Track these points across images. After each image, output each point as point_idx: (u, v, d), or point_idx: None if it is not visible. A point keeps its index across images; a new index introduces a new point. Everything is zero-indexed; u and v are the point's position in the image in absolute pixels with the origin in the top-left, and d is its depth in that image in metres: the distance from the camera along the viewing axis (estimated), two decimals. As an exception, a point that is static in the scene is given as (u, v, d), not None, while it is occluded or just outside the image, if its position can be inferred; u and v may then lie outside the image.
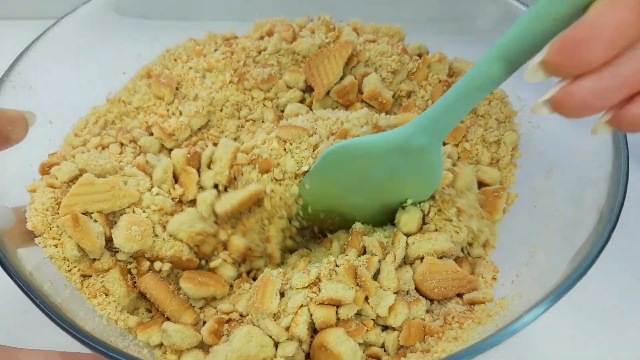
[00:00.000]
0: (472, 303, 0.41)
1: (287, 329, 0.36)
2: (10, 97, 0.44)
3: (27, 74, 0.46)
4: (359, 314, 0.39)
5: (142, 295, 0.41)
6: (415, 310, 0.40)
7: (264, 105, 0.53)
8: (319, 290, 0.38)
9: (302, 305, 0.37)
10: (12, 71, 0.45)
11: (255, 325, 0.37)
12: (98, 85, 0.54)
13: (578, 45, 0.25)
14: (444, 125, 0.36)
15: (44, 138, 0.47)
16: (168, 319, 0.39)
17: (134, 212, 0.41)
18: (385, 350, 0.38)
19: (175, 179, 0.46)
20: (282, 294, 0.38)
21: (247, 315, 0.39)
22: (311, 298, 0.37)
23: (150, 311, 0.42)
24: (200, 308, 0.42)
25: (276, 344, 0.36)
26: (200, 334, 0.38)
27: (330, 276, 0.39)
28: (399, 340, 0.38)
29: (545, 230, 0.43)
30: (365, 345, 0.38)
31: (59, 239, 0.39)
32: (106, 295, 0.39)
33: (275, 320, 0.37)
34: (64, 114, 0.50)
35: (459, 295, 0.43)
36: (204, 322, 0.40)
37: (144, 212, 0.42)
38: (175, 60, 0.55)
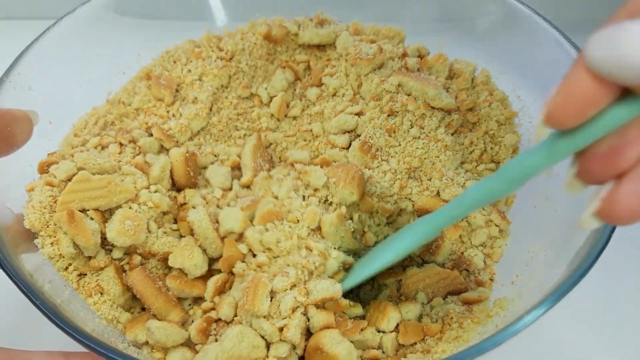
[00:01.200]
0: (469, 302, 0.41)
1: (280, 330, 0.36)
2: (10, 97, 0.44)
3: (27, 74, 0.46)
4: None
5: None
6: (405, 312, 0.40)
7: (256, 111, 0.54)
8: (307, 292, 0.37)
9: (293, 310, 0.37)
10: (12, 71, 0.45)
11: (246, 325, 0.37)
12: (98, 86, 0.54)
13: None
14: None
15: (44, 138, 0.47)
16: (154, 315, 0.39)
17: (130, 208, 0.42)
18: (383, 352, 0.38)
19: (172, 178, 0.46)
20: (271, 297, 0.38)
21: (236, 316, 0.39)
22: (302, 303, 0.37)
23: (144, 310, 0.42)
24: (189, 305, 0.42)
25: (268, 345, 0.36)
26: (187, 331, 0.38)
27: (312, 274, 0.38)
28: (397, 340, 0.38)
29: (545, 231, 0.43)
30: (363, 347, 0.38)
31: (55, 236, 0.39)
32: (101, 294, 0.39)
33: (267, 320, 0.37)
34: (63, 115, 0.50)
35: (453, 294, 0.43)
36: (193, 321, 0.40)
37: (139, 207, 0.42)
38: (174, 62, 0.55)
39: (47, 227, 0.39)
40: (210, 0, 0.60)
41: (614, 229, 0.34)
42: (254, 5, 0.59)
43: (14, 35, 0.57)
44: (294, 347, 0.37)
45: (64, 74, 0.51)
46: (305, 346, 0.37)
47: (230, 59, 0.54)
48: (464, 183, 0.47)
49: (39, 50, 0.48)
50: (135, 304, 0.42)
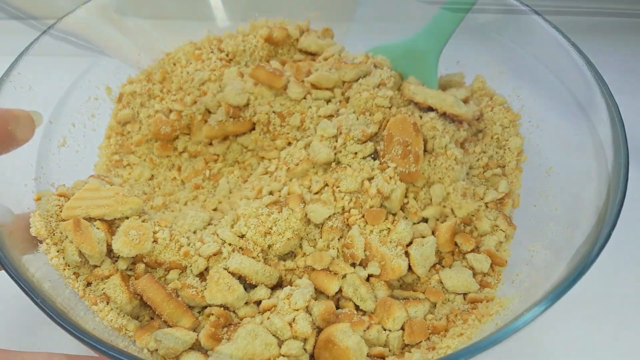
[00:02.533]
0: (475, 302, 0.41)
1: (290, 325, 0.36)
2: (10, 97, 0.44)
3: (27, 74, 0.46)
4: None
5: (145, 303, 0.40)
6: (413, 312, 0.40)
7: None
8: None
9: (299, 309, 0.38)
10: (12, 71, 0.45)
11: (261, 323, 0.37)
12: (97, 86, 0.54)
13: None
14: (440, 33, 0.50)
15: (44, 138, 0.47)
16: (165, 322, 0.39)
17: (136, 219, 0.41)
18: (390, 350, 0.38)
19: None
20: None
21: (244, 317, 0.39)
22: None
23: (153, 319, 0.41)
24: (199, 312, 0.41)
25: (280, 343, 0.36)
26: (195, 332, 0.38)
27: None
28: (403, 339, 0.38)
29: (545, 230, 0.43)
30: (370, 344, 0.38)
31: (61, 245, 0.39)
32: (107, 302, 0.39)
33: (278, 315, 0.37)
34: (63, 114, 0.50)
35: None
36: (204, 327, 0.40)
37: (147, 216, 0.42)
38: (174, 64, 0.55)
39: (53, 235, 0.39)
40: (211, 0, 0.60)
41: (613, 228, 0.35)
42: (254, 6, 0.59)
43: (14, 35, 0.57)
44: (304, 343, 0.37)
45: (64, 73, 0.51)
46: (315, 342, 0.37)
47: (231, 60, 0.54)
48: (473, 190, 0.47)
49: (39, 50, 0.48)
50: (143, 312, 0.41)
